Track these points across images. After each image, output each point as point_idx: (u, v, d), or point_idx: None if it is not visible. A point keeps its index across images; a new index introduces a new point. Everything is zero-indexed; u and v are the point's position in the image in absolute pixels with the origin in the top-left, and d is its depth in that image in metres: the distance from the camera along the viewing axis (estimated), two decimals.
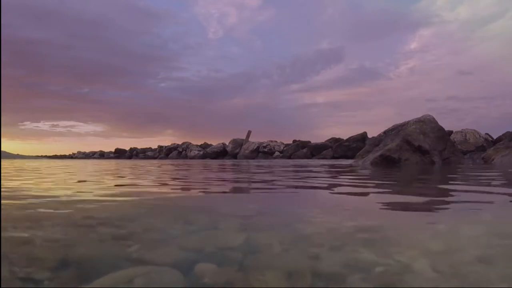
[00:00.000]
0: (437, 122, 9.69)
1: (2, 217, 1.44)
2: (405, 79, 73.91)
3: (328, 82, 79.51)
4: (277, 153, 29.07)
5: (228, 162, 15.53)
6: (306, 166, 8.05)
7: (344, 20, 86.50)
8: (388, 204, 1.91)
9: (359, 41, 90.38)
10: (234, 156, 30.51)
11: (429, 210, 1.78)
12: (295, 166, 8.51)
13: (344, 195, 2.41)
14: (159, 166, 8.64)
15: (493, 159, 9.99)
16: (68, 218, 1.45)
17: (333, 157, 24.31)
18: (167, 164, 10.66)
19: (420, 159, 8.72)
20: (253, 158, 27.52)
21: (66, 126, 76.72)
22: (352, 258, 0.86)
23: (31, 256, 0.91)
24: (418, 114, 9.95)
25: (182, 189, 2.88)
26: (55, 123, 76.05)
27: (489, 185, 3.05)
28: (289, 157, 26.94)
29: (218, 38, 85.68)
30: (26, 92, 65.48)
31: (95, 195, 2.27)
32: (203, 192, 2.65)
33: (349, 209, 1.73)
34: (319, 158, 24.07)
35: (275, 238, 1.07)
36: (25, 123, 72.09)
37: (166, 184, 3.24)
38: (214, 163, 13.08)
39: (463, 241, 1.08)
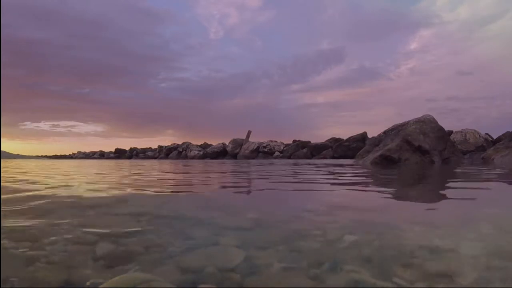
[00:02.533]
0: (437, 122, 9.69)
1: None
2: (405, 79, 73.91)
3: (329, 82, 79.50)
4: (277, 153, 29.05)
5: (228, 162, 15.52)
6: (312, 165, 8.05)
7: (344, 20, 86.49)
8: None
9: (359, 41, 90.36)
10: (234, 156, 30.50)
11: None
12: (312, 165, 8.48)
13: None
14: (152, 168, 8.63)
15: (493, 159, 9.99)
16: None
17: (333, 157, 24.30)
18: (155, 164, 10.65)
19: (420, 159, 8.72)
20: (253, 158, 27.50)
21: (67, 126, 76.58)
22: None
23: None
24: (418, 114, 9.97)
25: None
26: (55, 123, 75.95)
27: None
28: (289, 157, 26.92)
29: (218, 38, 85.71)
30: (26, 92, 65.49)
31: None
32: None
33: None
34: (319, 158, 24.05)
35: None
36: (25, 123, 72.08)
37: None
38: (214, 163, 13.07)
39: None
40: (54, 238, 1.13)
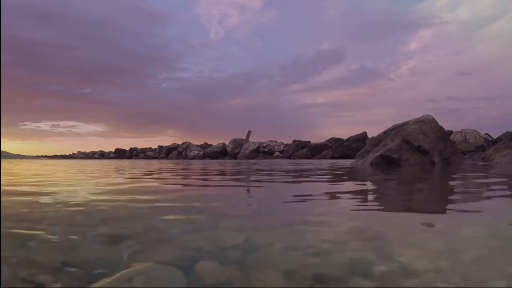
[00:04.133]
0: (437, 122, 9.69)
1: None
2: (405, 79, 73.82)
3: (329, 82, 79.43)
4: (277, 153, 29.06)
5: (228, 162, 15.53)
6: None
7: (345, 21, 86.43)
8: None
9: (360, 42, 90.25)
10: (234, 156, 30.50)
11: None
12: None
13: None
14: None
15: (493, 159, 10.00)
16: None
17: (333, 157, 24.31)
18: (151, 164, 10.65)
19: (420, 159, 8.72)
20: (253, 158, 27.51)
21: (67, 126, 76.53)
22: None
23: None
24: (418, 114, 9.96)
25: None
26: (56, 123, 75.88)
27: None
28: (289, 157, 26.93)
29: (219, 39, 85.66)
30: (27, 92, 65.42)
31: None
32: None
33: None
34: (319, 158, 24.06)
35: None
36: (26, 123, 72.00)
37: None
38: (214, 163, 13.08)
39: None
40: None
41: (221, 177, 4.62)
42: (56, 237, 1.12)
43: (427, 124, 9.49)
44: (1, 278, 0.77)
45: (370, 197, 2.39)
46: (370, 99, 76.97)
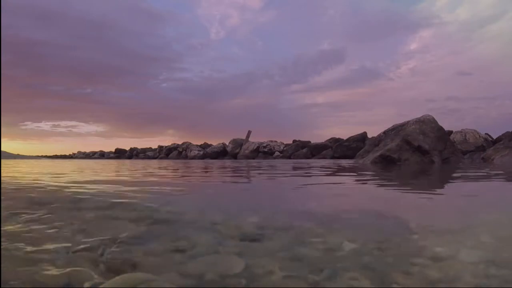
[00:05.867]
0: (437, 122, 9.70)
1: None
2: (405, 79, 73.85)
3: (329, 82, 79.47)
4: (277, 153, 29.06)
5: (228, 162, 15.53)
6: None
7: (345, 21, 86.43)
8: None
9: (360, 42, 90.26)
10: (234, 156, 30.51)
11: None
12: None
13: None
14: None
15: (492, 159, 10.00)
16: None
17: (333, 157, 24.31)
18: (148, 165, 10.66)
19: (420, 159, 8.73)
20: (253, 158, 27.51)
21: (67, 126, 76.55)
22: None
23: None
24: (418, 114, 9.97)
25: None
26: (56, 123, 75.89)
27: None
28: (289, 157, 26.93)
29: (220, 39, 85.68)
30: (27, 92, 65.47)
31: None
32: None
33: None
34: (319, 158, 24.07)
35: None
36: (26, 123, 72.05)
37: None
38: (214, 163, 13.09)
39: None
40: None
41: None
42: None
43: (427, 124, 9.50)
44: (1, 278, 0.77)
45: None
46: (370, 99, 77.02)
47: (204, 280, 0.77)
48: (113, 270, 0.83)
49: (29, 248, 1.01)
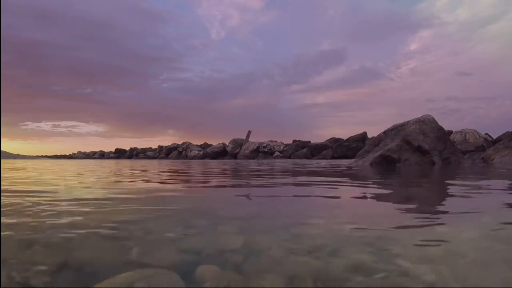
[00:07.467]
0: (437, 122, 9.70)
1: None
2: (405, 79, 74.02)
3: (329, 82, 79.63)
4: (277, 153, 29.06)
5: (228, 162, 15.53)
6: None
7: (345, 21, 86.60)
8: None
9: (360, 42, 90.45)
10: (234, 156, 30.51)
11: None
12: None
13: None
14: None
15: (492, 159, 10.00)
16: None
17: (333, 157, 24.31)
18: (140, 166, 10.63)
19: (420, 159, 8.73)
20: (253, 158, 27.52)
21: (68, 126, 76.65)
22: None
23: None
24: (418, 114, 9.97)
25: None
26: (56, 123, 76.01)
27: None
28: (289, 157, 26.94)
29: (220, 39, 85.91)
30: (28, 92, 65.57)
31: None
32: None
33: None
34: (319, 158, 24.06)
35: None
36: (26, 123, 72.15)
37: None
38: (214, 163, 13.08)
39: None
40: None
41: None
42: None
43: (427, 124, 9.50)
44: (1, 278, 0.77)
45: None
46: (370, 99, 77.13)
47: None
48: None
49: None
